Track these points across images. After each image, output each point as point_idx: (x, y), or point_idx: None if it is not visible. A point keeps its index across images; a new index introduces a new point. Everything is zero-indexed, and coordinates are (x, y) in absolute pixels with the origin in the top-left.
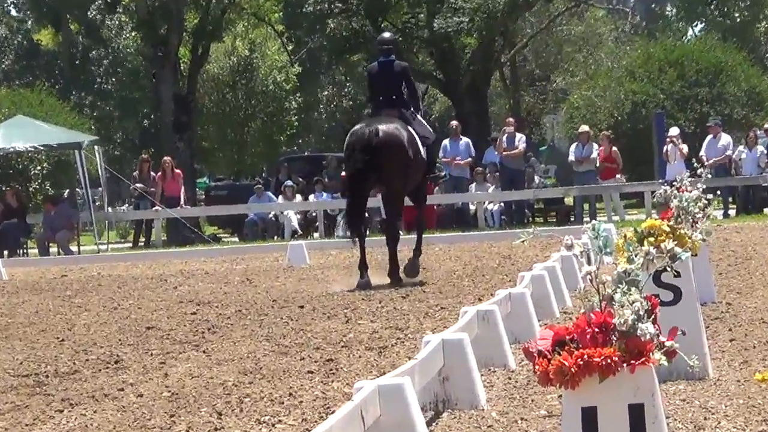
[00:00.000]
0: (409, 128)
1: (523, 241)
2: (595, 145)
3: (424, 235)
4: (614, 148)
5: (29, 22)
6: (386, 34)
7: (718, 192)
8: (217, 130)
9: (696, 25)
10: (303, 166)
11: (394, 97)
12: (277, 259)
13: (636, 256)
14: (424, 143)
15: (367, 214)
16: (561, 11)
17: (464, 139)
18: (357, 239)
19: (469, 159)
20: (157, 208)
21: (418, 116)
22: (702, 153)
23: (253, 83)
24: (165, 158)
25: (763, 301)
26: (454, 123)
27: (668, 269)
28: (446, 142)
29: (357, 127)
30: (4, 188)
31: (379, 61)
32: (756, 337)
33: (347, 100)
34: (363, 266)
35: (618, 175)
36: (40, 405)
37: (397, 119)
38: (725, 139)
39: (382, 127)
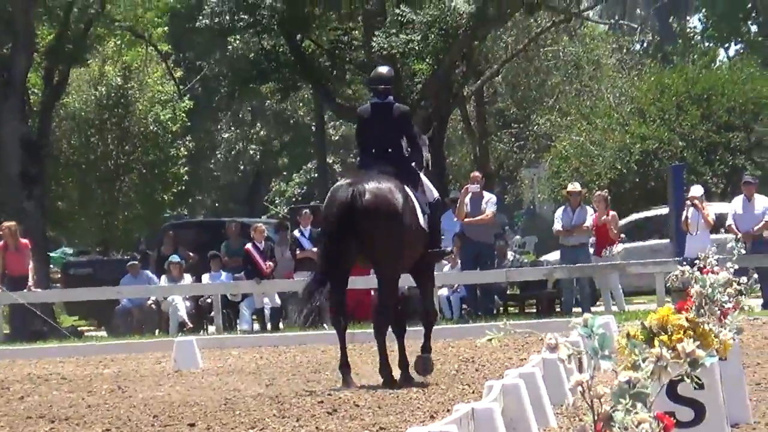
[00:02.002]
0: (407, 190)
1: (490, 340)
2: (589, 209)
3: (356, 331)
4: (612, 213)
5: None
6: (383, 69)
7: (755, 274)
8: (79, 185)
9: (728, 47)
10: (194, 236)
11: (390, 149)
12: (159, 360)
13: (644, 361)
14: (424, 211)
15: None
16: (545, 27)
17: None
18: (336, 333)
19: None
20: None
21: (422, 176)
22: (730, 221)
23: (128, 122)
24: (7, 224)
25: None
26: None
27: (686, 379)
28: None
29: (339, 183)
30: None
31: (372, 102)
32: None
33: (255, 144)
34: (344, 366)
35: (615, 247)
36: None
37: (392, 178)
38: (763, 201)
39: (371, 187)
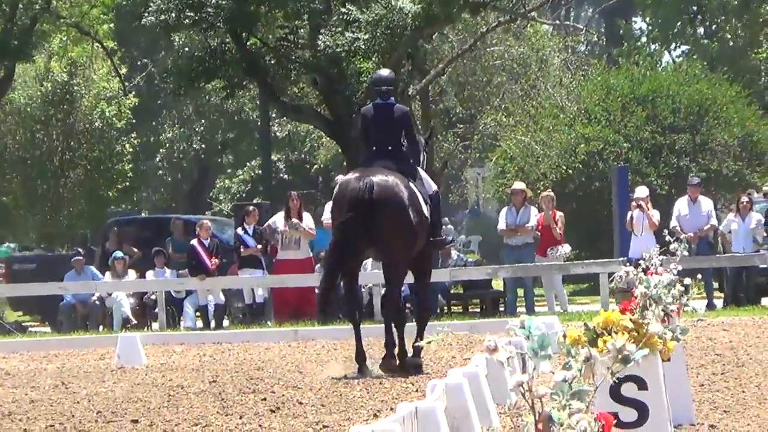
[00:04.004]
0: (410, 183)
1: (429, 342)
2: (534, 209)
3: (300, 328)
4: (559, 214)
5: None
6: (384, 72)
7: (699, 275)
8: (23, 181)
9: (674, 49)
10: (139, 232)
11: (390, 147)
12: (102, 356)
13: (575, 359)
14: (426, 201)
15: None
16: (491, 26)
17: None
18: (352, 325)
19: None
20: None
21: (420, 171)
22: (674, 222)
23: (73, 119)
24: None
25: (758, 423)
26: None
27: (608, 377)
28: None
29: (346, 177)
30: None
31: (374, 103)
32: None
33: (198, 141)
34: (360, 357)
35: (561, 248)
36: None
37: (395, 172)
38: (707, 203)
39: (378, 180)
